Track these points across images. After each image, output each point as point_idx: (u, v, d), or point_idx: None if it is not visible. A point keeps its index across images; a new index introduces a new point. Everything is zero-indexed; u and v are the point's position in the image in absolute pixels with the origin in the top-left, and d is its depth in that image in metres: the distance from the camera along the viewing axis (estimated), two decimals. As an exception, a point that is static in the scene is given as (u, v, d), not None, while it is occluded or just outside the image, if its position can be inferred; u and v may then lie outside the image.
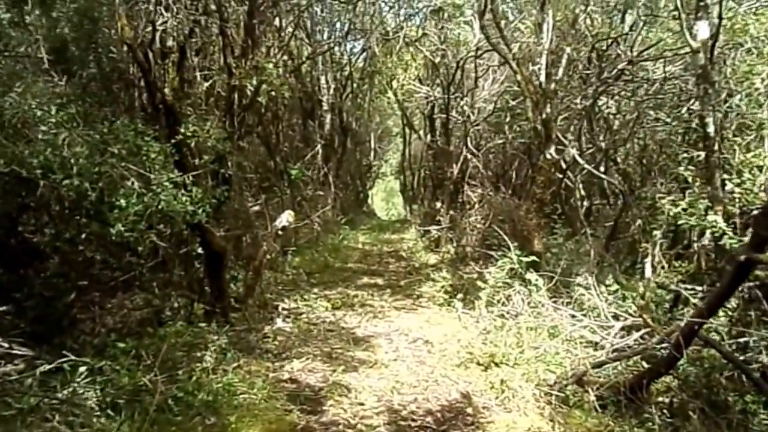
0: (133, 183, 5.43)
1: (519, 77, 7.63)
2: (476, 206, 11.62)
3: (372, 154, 24.86)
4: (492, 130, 12.70)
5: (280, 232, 8.06)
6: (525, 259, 7.00)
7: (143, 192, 5.27)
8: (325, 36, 16.97)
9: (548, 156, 7.44)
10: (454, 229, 12.00)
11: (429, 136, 17.36)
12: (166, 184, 5.25)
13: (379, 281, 10.84)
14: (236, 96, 8.32)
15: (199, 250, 7.05)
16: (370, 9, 16.80)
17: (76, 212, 5.60)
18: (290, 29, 12.16)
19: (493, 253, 9.95)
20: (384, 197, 35.72)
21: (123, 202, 5.16)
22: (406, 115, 19.58)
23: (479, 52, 10.74)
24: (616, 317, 6.67)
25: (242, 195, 13.17)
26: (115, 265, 7.09)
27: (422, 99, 16.13)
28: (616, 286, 6.84)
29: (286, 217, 8.01)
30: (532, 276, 6.89)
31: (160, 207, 5.12)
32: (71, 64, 7.40)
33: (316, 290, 9.78)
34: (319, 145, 16.22)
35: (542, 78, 7.28)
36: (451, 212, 12.47)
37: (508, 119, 11.32)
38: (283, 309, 8.58)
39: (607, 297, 6.81)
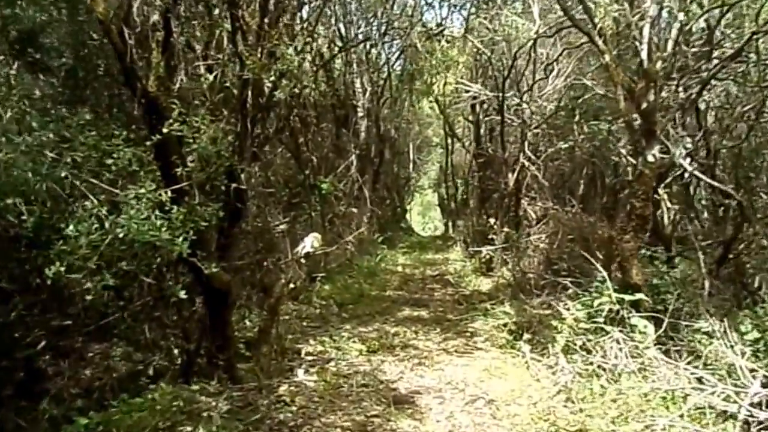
0: (95, 202, 3.86)
1: (607, 58, 5.87)
2: (539, 223, 9.83)
3: (411, 165, 23.20)
4: (552, 133, 10.91)
5: (303, 260, 6.46)
6: (628, 297, 5.20)
7: (104, 215, 3.70)
8: (360, 35, 15.48)
9: (650, 158, 5.64)
10: (510, 249, 10.21)
11: (475, 144, 15.63)
12: (132, 202, 3.65)
13: (424, 314, 9.12)
14: (250, 92, 6.74)
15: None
16: (409, 3, 15.30)
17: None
18: (315, 21, 10.61)
19: (564, 281, 8.19)
20: (420, 211, 34.15)
21: (72, 228, 3.59)
22: (448, 121, 17.90)
23: (553, 30, 8.90)
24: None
25: (265, 212, 11.73)
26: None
27: (467, 103, 14.45)
28: (755, 333, 5.00)
29: (310, 242, 6.40)
30: (637, 320, 5.09)
31: (123, 236, 3.52)
32: (43, 54, 5.94)
33: (348, 327, 8.14)
34: (353, 156, 14.63)
35: (643, 55, 5.51)
36: (506, 229, 10.68)
37: (576, 118, 9.53)
38: (307, 354, 6.94)
39: (743, 348, 4.98)
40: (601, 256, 8.34)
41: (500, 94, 10.35)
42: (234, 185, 7.03)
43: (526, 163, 10.64)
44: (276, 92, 6.78)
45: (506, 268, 10.52)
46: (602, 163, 9.62)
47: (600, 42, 5.94)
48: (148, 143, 4.21)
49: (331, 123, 15.30)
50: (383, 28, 15.45)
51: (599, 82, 8.71)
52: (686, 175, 8.12)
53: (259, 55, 6.49)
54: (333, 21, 15.09)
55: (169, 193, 3.93)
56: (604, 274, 5.88)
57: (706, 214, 9.43)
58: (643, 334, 5.09)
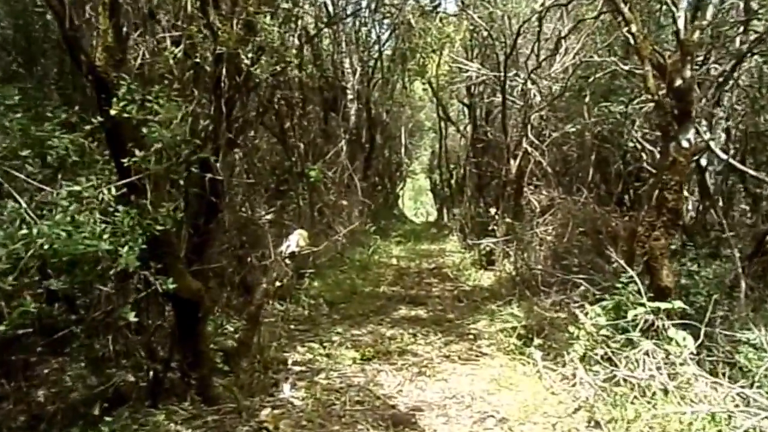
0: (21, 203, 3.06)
1: (633, 28, 5.12)
2: (544, 213, 9.10)
3: (403, 150, 22.38)
4: (558, 116, 10.14)
5: (287, 261, 5.70)
6: (664, 305, 4.47)
7: (33, 219, 2.90)
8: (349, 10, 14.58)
9: (685, 144, 4.91)
10: (513, 241, 9.49)
11: (470, 128, 14.85)
12: (63, 202, 2.86)
13: (422, 313, 8.39)
14: (224, 70, 5.93)
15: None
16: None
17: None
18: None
19: (575, 278, 7.49)
20: (412, 196, 33.40)
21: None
22: (442, 104, 17.08)
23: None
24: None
25: (249, 203, 10.95)
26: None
27: (463, 84, 13.63)
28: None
29: (296, 240, 5.64)
30: (673, 331, 4.36)
31: (46, 247, 2.73)
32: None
33: (339, 329, 7.40)
34: (343, 141, 13.81)
35: (680, 24, 4.75)
36: (508, 220, 9.95)
37: (587, 98, 8.76)
38: (294, 364, 6.20)
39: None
40: (615, 252, 7.66)
41: (502, 74, 9.55)
42: (209, 176, 6.30)
43: (529, 149, 9.89)
44: (255, 70, 5.97)
45: (508, 261, 9.81)
46: (615, 149, 8.86)
47: (626, 10, 5.17)
48: (87, 128, 3.37)
49: (319, 106, 14.47)
50: (373, 4, 14.57)
51: (613, 60, 7.94)
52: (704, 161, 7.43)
53: (234, 27, 5.68)
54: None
55: (114, 191, 3.12)
56: (632, 274, 5.14)
57: (721, 203, 8.74)
58: (679, 346, 4.36)
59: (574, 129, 8.91)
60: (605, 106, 8.11)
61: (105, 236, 2.87)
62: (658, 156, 8.03)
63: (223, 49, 5.60)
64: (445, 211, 20.53)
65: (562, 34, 8.57)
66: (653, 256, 5.11)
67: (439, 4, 13.01)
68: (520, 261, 9.00)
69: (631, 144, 8.52)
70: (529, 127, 9.84)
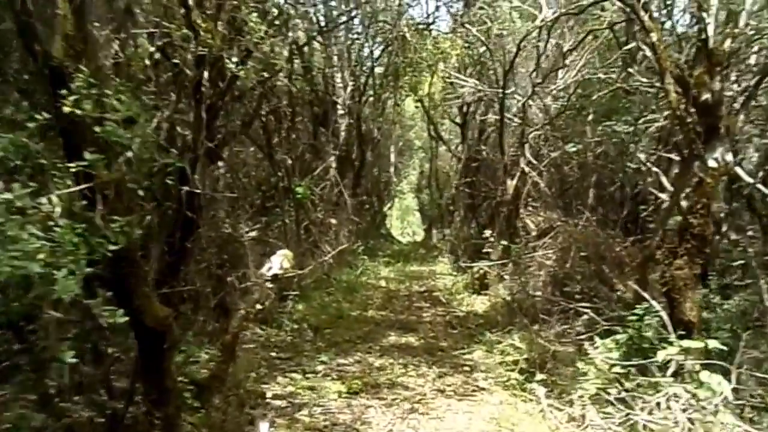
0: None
1: (654, 37, 4.69)
2: (542, 236, 8.63)
3: (392, 169, 21.92)
4: (557, 135, 9.72)
5: (269, 284, 5.15)
6: (695, 344, 3.96)
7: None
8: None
9: (713, 163, 4.46)
10: (508, 265, 8.99)
11: (462, 147, 14.42)
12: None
13: (413, 340, 7.85)
14: (207, 73, 5.42)
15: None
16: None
17: None
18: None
19: (578, 306, 6.99)
20: (399, 215, 32.92)
21: None
22: (433, 122, 16.68)
23: (574, 9, 7.60)
24: None
25: (233, 219, 10.39)
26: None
27: (457, 102, 13.22)
28: None
29: (278, 261, 5.10)
30: (706, 375, 3.85)
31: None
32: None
33: (324, 358, 6.84)
34: (332, 157, 13.31)
35: (710, 31, 4.32)
36: (504, 242, 9.46)
37: (590, 117, 8.35)
38: (274, 397, 5.64)
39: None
40: (620, 279, 7.20)
41: (500, 90, 9.11)
42: (186, 188, 5.77)
43: (527, 169, 9.44)
44: (240, 74, 5.46)
45: (503, 285, 9.30)
46: (619, 170, 8.42)
47: (646, 17, 4.74)
48: (31, 125, 2.83)
49: (309, 120, 13.98)
50: (366, 20, 14.16)
51: (623, 75, 7.55)
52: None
53: (218, 27, 5.18)
54: (312, 12, 13.81)
55: (55, 199, 2.58)
56: (657, 306, 4.64)
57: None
58: (712, 391, 3.85)
59: (574, 149, 8.48)
60: (609, 125, 7.70)
61: (40, 256, 2.32)
62: (663, 178, 7.62)
63: (206, 51, 5.10)
64: (434, 231, 20.05)
65: (567, 48, 8.15)
66: (675, 286, 4.63)
67: (433, 22, 12.67)
68: (517, 286, 8.50)
69: (634, 165, 8.09)
70: (526, 146, 9.40)
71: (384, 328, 8.32)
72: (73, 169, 2.79)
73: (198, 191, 5.73)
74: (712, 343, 3.92)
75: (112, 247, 2.84)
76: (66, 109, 3.10)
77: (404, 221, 32.92)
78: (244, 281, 7.09)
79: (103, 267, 3.79)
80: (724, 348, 4.18)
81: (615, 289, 7.07)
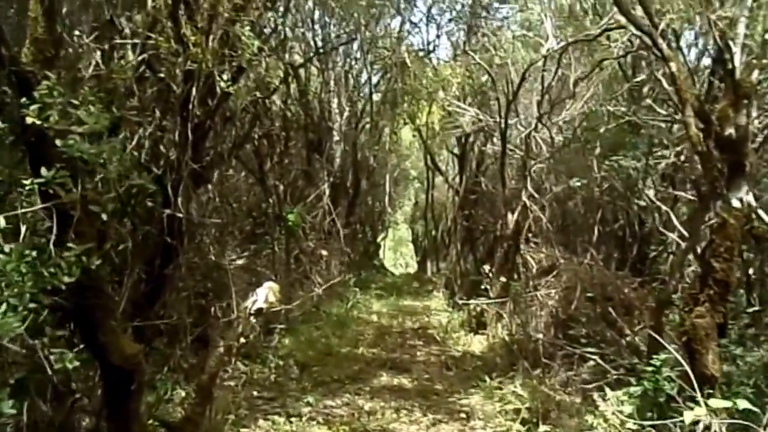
0: None
1: (674, 66, 4.37)
2: (545, 274, 8.23)
3: (386, 199, 21.58)
4: (558, 169, 9.40)
5: (252, 319, 4.72)
6: (720, 403, 3.54)
7: None
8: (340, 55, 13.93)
9: (736, 203, 4.11)
10: (508, 303, 8.57)
11: (460, 178, 14.07)
12: None
13: (406, 382, 7.37)
14: (195, 90, 5.05)
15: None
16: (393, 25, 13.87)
17: None
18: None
19: (585, 352, 6.57)
20: (392, 246, 32.50)
21: None
22: (430, 152, 16.39)
23: (581, 38, 7.31)
24: None
25: (222, 245, 9.96)
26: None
27: (455, 132, 12.90)
28: None
29: (264, 295, 4.67)
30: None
31: None
32: None
33: (310, 399, 6.34)
34: (326, 185, 12.95)
35: (736, 61, 4.00)
36: (503, 279, 9.06)
37: (598, 150, 8.03)
38: (255, 443, 5.16)
39: None
40: (629, 324, 6.79)
41: (503, 120, 8.80)
42: (167, 212, 5.36)
43: (528, 202, 9.07)
44: (230, 91, 5.09)
45: (502, 325, 8.86)
46: (626, 207, 8.07)
47: (664, 45, 4.42)
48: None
49: (303, 146, 13.65)
50: (366, 45, 13.94)
51: (630, 109, 7.26)
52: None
53: (210, 42, 4.83)
54: (310, 36, 13.60)
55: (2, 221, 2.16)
56: (679, 358, 4.23)
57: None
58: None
59: (579, 183, 8.13)
60: (615, 160, 7.37)
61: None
62: (673, 217, 7.28)
63: (194, 66, 4.74)
64: (428, 264, 19.63)
65: (575, 77, 7.85)
66: (696, 336, 4.22)
67: (434, 49, 12.46)
68: (517, 326, 8.07)
69: (642, 203, 7.75)
70: (528, 178, 9.05)
71: (375, 367, 7.84)
72: (28, 187, 2.38)
73: (180, 215, 5.32)
74: (743, 404, 3.50)
75: (67, 279, 2.40)
76: (29, 120, 2.71)
77: (397, 252, 32.52)
78: (227, 314, 6.63)
79: (66, 297, 3.38)
80: (753, 408, 3.77)
81: (624, 335, 6.65)
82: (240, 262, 10.74)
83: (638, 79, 7.71)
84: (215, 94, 5.50)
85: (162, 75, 4.95)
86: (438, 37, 13.34)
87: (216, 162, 6.87)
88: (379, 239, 23.14)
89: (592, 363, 6.51)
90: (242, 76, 5.48)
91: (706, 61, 7.88)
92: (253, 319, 4.70)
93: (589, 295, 7.11)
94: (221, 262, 8.66)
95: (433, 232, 19.14)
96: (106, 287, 3.51)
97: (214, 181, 6.91)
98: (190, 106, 5.04)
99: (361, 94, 14.29)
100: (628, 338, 6.71)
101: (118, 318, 3.69)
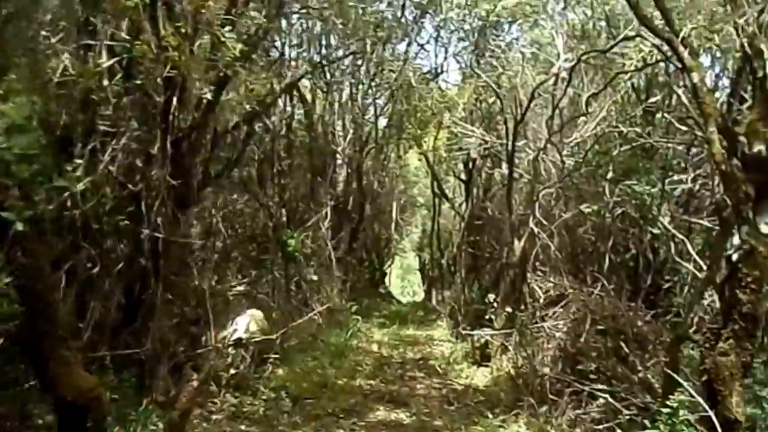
0: None
1: (696, 77, 4.02)
2: (552, 305, 7.79)
3: (393, 226, 21.18)
4: (567, 195, 9.01)
5: (230, 349, 4.32)
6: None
7: None
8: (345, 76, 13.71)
9: (766, 229, 3.70)
10: (512, 335, 8.12)
11: (466, 204, 13.66)
12: None
13: (404, 417, 6.92)
14: (176, 98, 4.73)
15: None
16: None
17: None
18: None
19: (595, 389, 6.10)
20: (399, 275, 32.03)
21: None
22: (437, 178, 16.03)
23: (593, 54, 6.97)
24: None
25: (220, 270, 9.64)
26: None
27: (464, 152, 12.53)
28: None
29: (244, 324, 4.30)
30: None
31: None
32: None
33: (302, 436, 5.90)
34: (328, 209, 12.61)
35: (768, 69, 3.63)
36: (509, 309, 8.61)
37: (609, 174, 7.63)
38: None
39: None
40: (641, 359, 6.33)
41: (510, 143, 8.44)
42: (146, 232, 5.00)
43: (536, 229, 8.67)
44: (215, 101, 4.77)
45: (507, 357, 8.39)
46: (640, 235, 7.63)
47: (686, 54, 4.07)
48: None
49: (307, 169, 13.36)
50: (372, 69, 13.70)
51: (645, 130, 6.88)
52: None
53: (191, 45, 4.52)
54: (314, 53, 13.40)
55: None
56: (700, 401, 3.79)
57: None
58: None
59: (590, 209, 7.73)
60: (629, 185, 6.98)
61: None
62: (689, 246, 6.85)
63: (174, 72, 4.42)
64: (434, 292, 19.10)
65: (588, 95, 7.49)
66: (719, 376, 3.78)
67: (442, 71, 12.19)
68: (522, 359, 7.60)
69: (656, 230, 7.32)
70: (536, 204, 8.66)
71: (372, 401, 7.38)
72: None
73: (160, 235, 4.96)
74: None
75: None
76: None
77: (405, 280, 32.03)
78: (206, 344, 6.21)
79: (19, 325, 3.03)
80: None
81: (637, 371, 6.18)
82: (240, 288, 10.37)
83: (653, 99, 7.33)
84: (201, 107, 5.19)
85: (140, 81, 4.62)
86: (446, 58, 13.04)
87: (207, 182, 6.53)
88: (385, 267, 22.66)
89: (602, 401, 6.07)
90: (230, 87, 5.14)
91: (724, 81, 7.56)
92: (231, 350, 4.31)
93: (600, 327, 6.66)
94: (214, 288, 8.31)
95: (440, 260, 18.66)
96: (56, 313, 3.13)
97: (212, 204, 6.54)
98: (170, 117, 4.71)
99: (366, 117, 14.01)
100: (641, 375, 6.24)
101: (71, 348, 3.30)
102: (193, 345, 6.79)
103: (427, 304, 18.74)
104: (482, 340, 9.12)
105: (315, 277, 10.52)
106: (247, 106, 5.81)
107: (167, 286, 5.42)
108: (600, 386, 6.19)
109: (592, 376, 6.39)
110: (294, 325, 8.46)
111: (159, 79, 4.68)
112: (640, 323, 6.52)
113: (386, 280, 23.62)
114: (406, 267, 32.05)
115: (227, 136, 6.44)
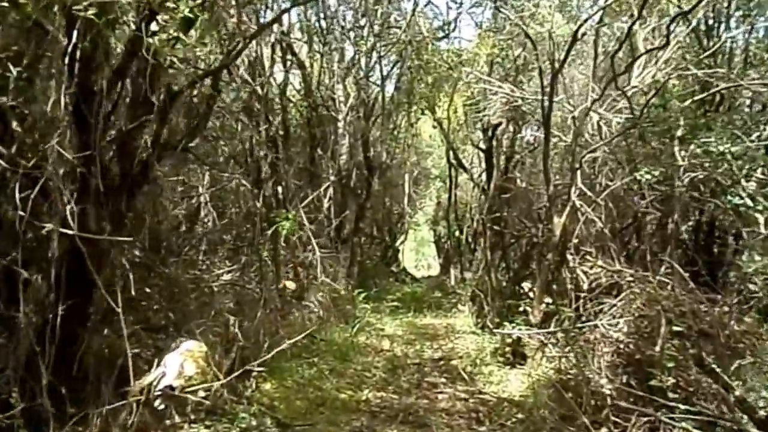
0: None
1: None
2: (602, 293, 6.27)
3: (405, 200, 19.69)
4: (616, 159, 7.41)
5: (158, 403, 2.88)
6: None
7: None
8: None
9: None
10: (557, 333, 6.62)
11: (487, 175, 12.08)
12: None
13: (424, 444, 5.47)
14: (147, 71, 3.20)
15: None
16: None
17: None
18: None
19: (672, 408, 4.60)
20: (414, 247, 30.73)
21: None
22: (453, 148, 14.43)
23: None
24: None
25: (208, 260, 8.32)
26: None
27: (483, 117, 10.92)
28: None
29: (176, 366, 2.84)
30: None
31: None
32: None
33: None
34: (330, 185, 11.12)
35: None
36: (548, 300, 7.12)
37: (680, 132, 6.02)
38: None
39: None
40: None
41: (546, 98, 6.81)
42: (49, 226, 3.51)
43: (578, 203, 7.12)
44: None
45: (548, 358, 6.91)
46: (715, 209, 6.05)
47: None
48: None
49: (306, 142, 11.86)
50: (376, 26, 12.01)
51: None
52: None
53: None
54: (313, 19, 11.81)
55: None
56: None
57: None
58: None
59: (649, 176, 6.15)
60: (710, 142, 5.38)
61: None
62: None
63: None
64: (451, 269, 17.63)
65: (645, 34, 5.83)
66: None
67: (455, 28, 10.48)
68: (569, 364, 6.12)
69: (739, 200, 5.73)
70: (578, 173, 7.09)
71: (382, 421, 5.91)
72: None
73: (71, 232, 3.47)
74: None
75: None
76: None
77: (419, 253, 30.80)
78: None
79: None
80: None
81: (731, 387, 4.68)
82: (227, 277, 9.00)
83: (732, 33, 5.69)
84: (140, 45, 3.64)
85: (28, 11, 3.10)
86: (459, 15, 11.28)
87: (160, 154, 5.01)
88: (398, 243, 21.26)
89: (684, 426, 4.60)
90: (155, 21, 3.58)
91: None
92: (158, 404, 2.88)
93: (676, 328, 5.13)
94: (184, 282, 6.92)
95: (457, 234, 17.16)
96: None
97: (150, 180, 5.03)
98: (73, 62, 3.19)
99: (371, 80, 12.34)
100: (737, 392, 4.74)
101: None
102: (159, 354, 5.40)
103: (444, 282, 17.26)
104: (514, 335, 7.63)
105: (315, 263, 9.04)
106: (202, 53, 4.26)
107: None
108: (680, 405, 4.71)
109: (669, 393, 4.89)
110: (291, 325, 7.05)
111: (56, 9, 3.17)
112: (731, 322, 4.99)
113: (399, 257, 22.24)
114: (420, 240, 30.81)
115: (182, 95, 4.90)
